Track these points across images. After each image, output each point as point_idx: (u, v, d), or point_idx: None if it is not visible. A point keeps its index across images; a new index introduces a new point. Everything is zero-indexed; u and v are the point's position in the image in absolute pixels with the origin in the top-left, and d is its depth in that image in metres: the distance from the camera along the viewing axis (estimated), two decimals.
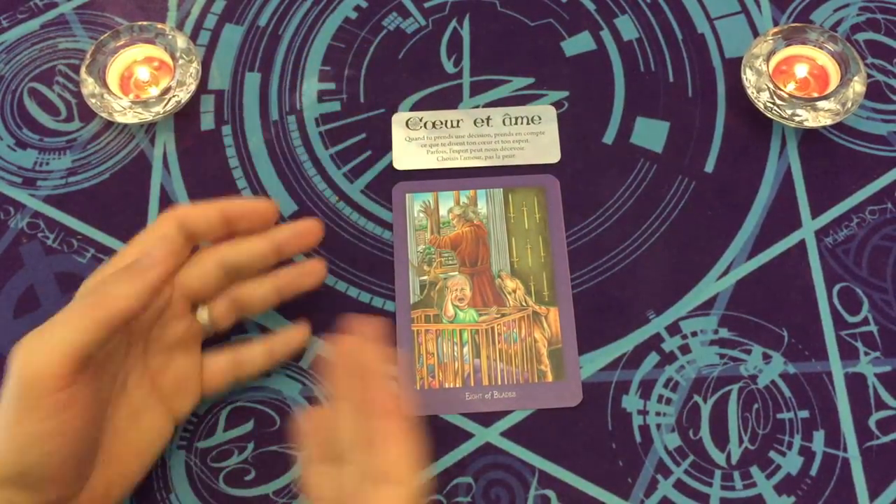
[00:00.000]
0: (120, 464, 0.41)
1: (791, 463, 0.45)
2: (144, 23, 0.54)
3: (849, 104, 0.51)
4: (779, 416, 0.46)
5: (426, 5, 0.58)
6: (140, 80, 0.54)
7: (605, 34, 0.56)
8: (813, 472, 0.45)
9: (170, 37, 0.54)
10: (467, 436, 0.46)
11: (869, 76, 0.54)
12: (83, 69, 0.53)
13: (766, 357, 0.47)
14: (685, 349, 0.48)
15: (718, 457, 0.45)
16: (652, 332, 0.48)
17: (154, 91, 0.53)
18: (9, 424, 0.35)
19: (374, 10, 0.57)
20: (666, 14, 0.57)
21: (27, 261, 0.50)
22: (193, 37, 0.57)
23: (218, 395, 0.46)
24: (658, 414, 0.46)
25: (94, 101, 0.52)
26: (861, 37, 0.56)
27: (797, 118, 0.51)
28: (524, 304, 0.49)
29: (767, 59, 0.52)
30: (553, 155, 0.53)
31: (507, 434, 0.46)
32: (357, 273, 0.50)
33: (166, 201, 0.52)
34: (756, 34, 0.56)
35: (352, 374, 0.38)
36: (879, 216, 0.51)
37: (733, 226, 0.51)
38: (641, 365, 0.47)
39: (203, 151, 0.53)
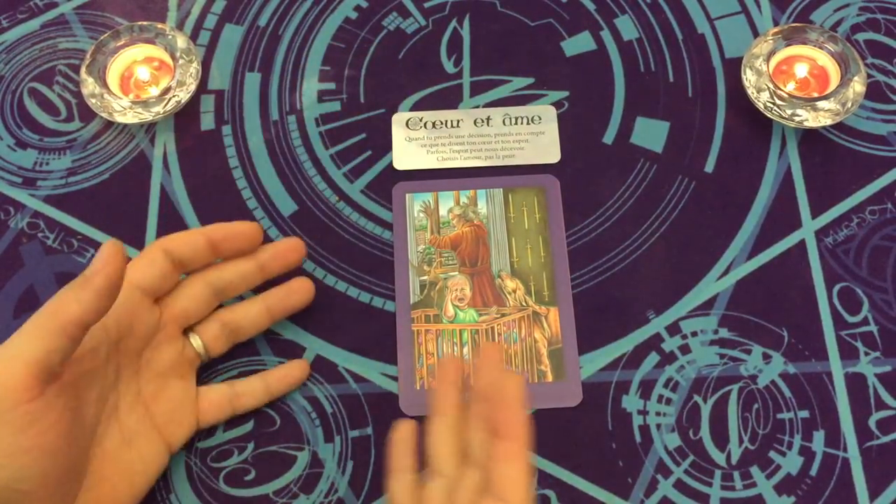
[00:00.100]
0: (110, 488, 0.41)
1: (791, 463, 0.45)
2: (144, 23, 0.54)
3: (849, 104, 0.51)
4: (779, 416, 0.46)
5: (426, 5, 0.58)
6: (140, 80, 0.54)
7: (606, 34, 0.56)
8: (813, 472, 0.45)
9: (170, 37, 0.54)
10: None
11: (869, 76, 0.54)
12: (83, 69, 0.53)
13: (766, 357, 0.47)
14: (685, 349, 0.48)
15: (718, 457, 0.45)
16: (652, 332, 0.48)
17: (154, 91, 0.53)
18: None
19: (374, 10, 0.57)
20: (666, 14, 0.57)
21: (27, 261, 0.50)
22: (193, 37, 0.57)
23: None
24: (658, 414, 0.46)
25: (94, 101, 0.52)
26: (861, 37, 0.56)
27: (797, 118, 0.51)
28: (524, 304, 0.49)
29: (767, 59, 0.52)
30: (553, 155, 0.53)
31: None
32: (357, 273, 0.50)
33: (166, 201, 0.52)
34: (756, 34, 0.56)
35: (481, 394, 0.38)
36: (879, 216, 0.51)
37: (733, 226, 0.51)
38: (641, 365, 0.47)
39: (203, 151, 0.53)
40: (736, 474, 0.45)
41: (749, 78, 0.52)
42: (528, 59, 0.56)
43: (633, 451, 0.45)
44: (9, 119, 0.54)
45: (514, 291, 0.49)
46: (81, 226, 0.51)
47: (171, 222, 0.51)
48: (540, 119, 0.54)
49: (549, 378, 0.47)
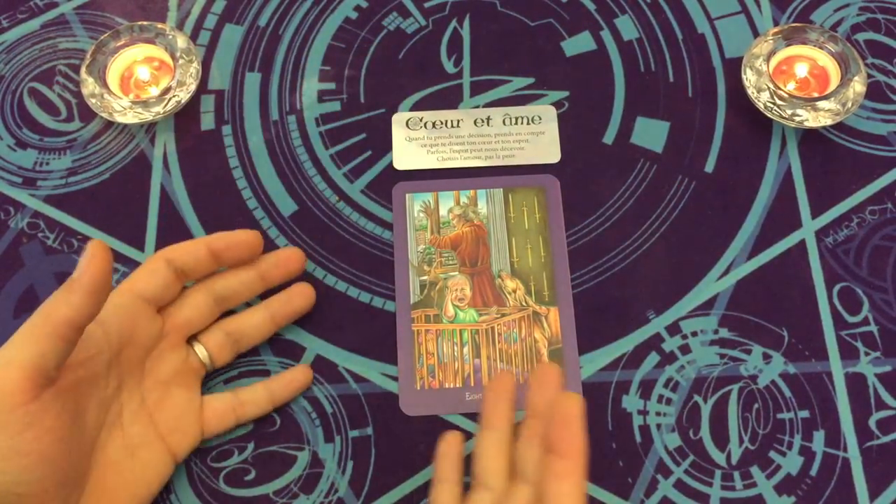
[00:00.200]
0: (112, 496, 0.41)
1: (791, 463, 0.45)
2: (144, 23, 0.54)
3: (849, 104, 0.51)
4: (779, 416, 0.46)
5: (426, 5, 0.58)
6: (140, 80, 0.54)
7: (606, 34, 0.56)
8: (813, 472, 0.45)
9: (170, 37, 0.54)
10: (467, 436, 0.46)
11: (869, 76, 0.54)
12: (83, 69, 0.53)
13: (767, 357, 0.47)
14: (685, 349, 0.47)
15: (718, 457, 0.45)
16: (652, 332, 0.48)
17: (154, 91, 0.53)
18: None
19: (374, 10, 0.57)
20: (666, 14, 0.57)
21: (27, 261, 0.50)
22: (193, 37, 0.57)
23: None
24: (658, 414, 0.46)
25: (94, 101, 0.52)
26: (861, 37, 0.56)
27: (797, 118, 0.51)
28: (524, 304, 0.49)
29: (767, 59, 0.52)
30: (553, 155, 0.53)
31: None
32: (357, 273, 0.50)
33: (166, 201, 0.52)
34: (756, 34, 0.56)
35: (537, 410, 0.38)
36: (879, 216, 0.51)
37: (733, 226, 0.51)
38: (641, 365, 0.47)
39: (203, 151, 0.53)
40: (736, 474, 0.45)
41: (749, 78, 0.52)
42: (528, 59, 0.56)
43: (633, 451, 0.45)
44: (9, 119, 0.54)
45: (515, 291, 0.49)
46: (81, 226, 0.51)
47: (172, 222, 0.51)
48: (540, 119, 0.54)
49: None
